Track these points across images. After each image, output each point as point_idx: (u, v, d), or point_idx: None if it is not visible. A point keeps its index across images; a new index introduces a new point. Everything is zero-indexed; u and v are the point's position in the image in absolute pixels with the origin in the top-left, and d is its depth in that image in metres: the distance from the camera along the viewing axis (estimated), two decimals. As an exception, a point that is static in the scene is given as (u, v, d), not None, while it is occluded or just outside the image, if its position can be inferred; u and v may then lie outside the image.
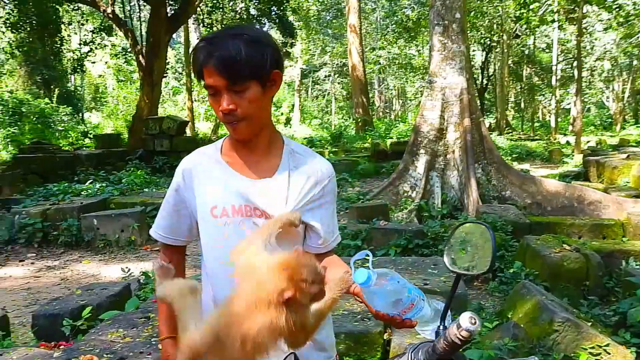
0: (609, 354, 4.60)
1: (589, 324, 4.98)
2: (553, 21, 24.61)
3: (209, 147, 2.12)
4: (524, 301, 5.18)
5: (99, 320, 5.02)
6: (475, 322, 1.27)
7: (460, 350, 1.35)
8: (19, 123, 21.40)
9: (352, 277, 1.47)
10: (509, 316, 5.31)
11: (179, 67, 36.43)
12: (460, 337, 1.27)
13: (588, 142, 23.86)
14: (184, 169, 2.07)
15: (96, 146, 19.43)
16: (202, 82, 1.82)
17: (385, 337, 4.33)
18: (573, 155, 20.15)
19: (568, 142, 25.69)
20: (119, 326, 4.51)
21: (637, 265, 6.64)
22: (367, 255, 1.66)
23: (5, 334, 5.34)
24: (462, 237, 1.44)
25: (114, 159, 16.87)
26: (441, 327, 1.43)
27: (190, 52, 14.81)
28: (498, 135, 28.15)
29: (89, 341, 4.26)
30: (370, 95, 41.57)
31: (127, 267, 7.19)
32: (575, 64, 25.85)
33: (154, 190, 12.54)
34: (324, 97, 48.88)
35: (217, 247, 1.96)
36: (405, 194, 11.40)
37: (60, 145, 20.36)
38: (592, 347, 4.63)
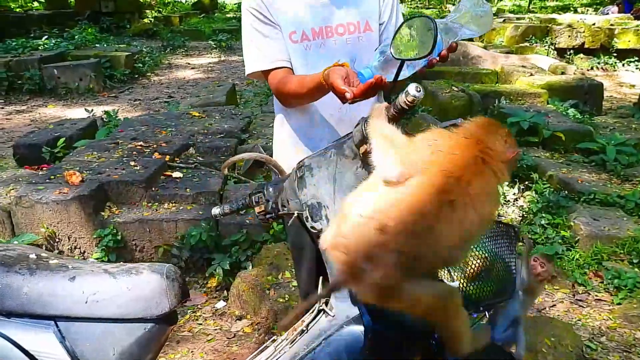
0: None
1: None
2: None
3: None
4: (421, 126, 5.43)
5: (73, 148, 4.92)
6: (420, 90, 1.27)
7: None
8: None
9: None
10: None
11: None
12: (408, 103, 1.28)
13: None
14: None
15: (45, 7, 17.69)
16: None
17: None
18: (460, 21, 20.17)
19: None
20: (93, 150, 4.46)
21: (506, 102, 7.00)
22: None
23: (-11, 162, 5.17)
24: (406, 31, 1.45)
25: (64, 19, 15.43)
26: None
27: None
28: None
29: (68, 162, 4.21)
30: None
31: (90, 109, 6.94)
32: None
33: (105, 45, 11.76)
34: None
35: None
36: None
37: (10, 6, 18.40)
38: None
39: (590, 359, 2.73)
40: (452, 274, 1.62)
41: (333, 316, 1.49)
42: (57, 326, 1.55)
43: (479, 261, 1.63)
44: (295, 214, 1.65)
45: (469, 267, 1.62)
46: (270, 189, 1.74)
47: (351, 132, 1.51)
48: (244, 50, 1.97)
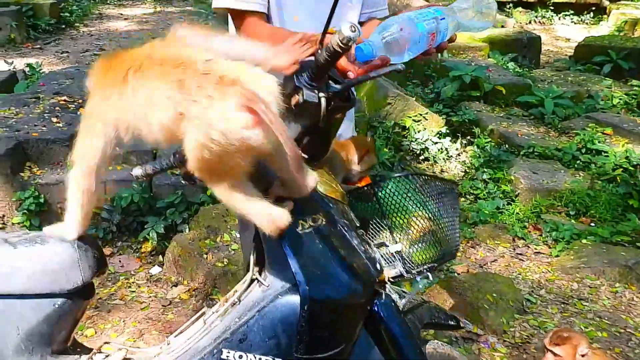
0: (427, 119, 4.91)
1: (413, 98, 5.24)
2: None
3: None
4: (364, 83, 5.27)
5: (-11, 104, 4.48)
6: (355, 30, 1.08)
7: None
8: None
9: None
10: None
11: None
12: (342, 45, 1.09)
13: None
14: None
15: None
16: None
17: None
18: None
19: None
20: (10, 105, 4.07)
21: (449, 56, 6.93)
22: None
23: None
24: None
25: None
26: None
27: None
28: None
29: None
30: None
31: (11, 61, 6.38)
32: None
33: (27, -8, 10.85)
34: None
35: None
36: None
37: None
38: (415, 115, 4.90)
39: (530, 312, 2.74)
40: (395, 236, 1.50)
41: (267, 286, 1.35)
42: (-53, 305, 1.35)
43: (423, 222, 1.52)
44: None
45: (412, 229, 1.51)
46: None
47: None
48: None
